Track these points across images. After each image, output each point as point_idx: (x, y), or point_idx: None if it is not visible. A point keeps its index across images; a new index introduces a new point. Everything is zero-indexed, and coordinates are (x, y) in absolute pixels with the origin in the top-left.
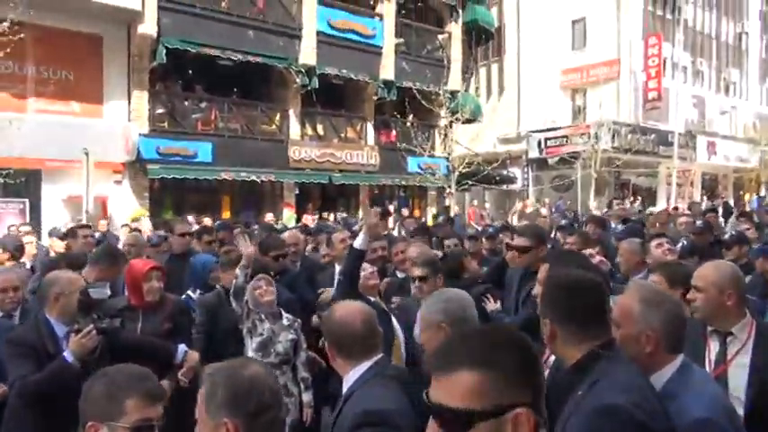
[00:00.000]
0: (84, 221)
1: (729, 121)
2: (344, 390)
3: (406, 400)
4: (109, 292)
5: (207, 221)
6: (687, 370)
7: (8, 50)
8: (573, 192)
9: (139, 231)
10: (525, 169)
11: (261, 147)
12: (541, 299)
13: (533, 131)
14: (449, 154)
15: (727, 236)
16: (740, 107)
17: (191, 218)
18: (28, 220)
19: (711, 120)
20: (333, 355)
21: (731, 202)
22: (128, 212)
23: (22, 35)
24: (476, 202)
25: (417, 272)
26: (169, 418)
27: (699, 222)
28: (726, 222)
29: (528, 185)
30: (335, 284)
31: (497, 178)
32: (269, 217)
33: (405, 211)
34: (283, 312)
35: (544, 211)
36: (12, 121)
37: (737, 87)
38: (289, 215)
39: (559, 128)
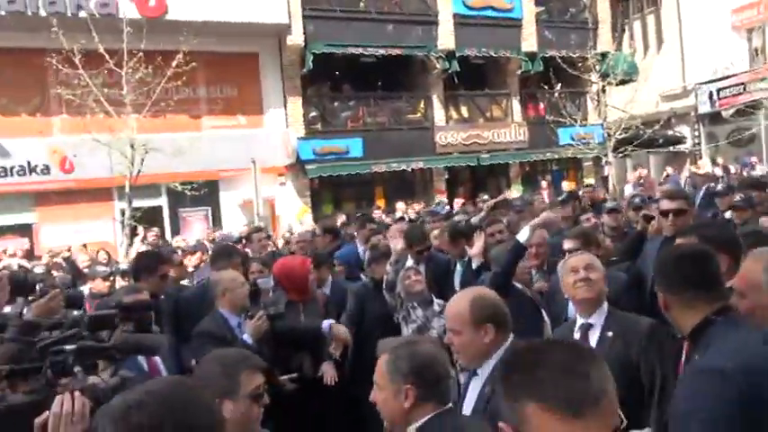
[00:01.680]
0: (257, 224)
1: None
2: None
3: None
4: (273, 283)
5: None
6: None
7: (184, 78)
8: (756, 145)
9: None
10: (695, 126)
11: (408, 136)
12: (655, 271)
13: (702, 83)
14: (604, 119)
15: None
16: None
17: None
18: (211, 225)
19: None
20: None
21: None
22: (293, 211)
23: (194, 64)
24: (637, 171)
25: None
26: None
27: None
28: None
29: (700, 144)
30: (489, 276)
31: (661, 141)
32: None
33: (565, 185)
34: (434, 299)
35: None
36: (191, 141)
37: None
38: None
39: (734, 75)
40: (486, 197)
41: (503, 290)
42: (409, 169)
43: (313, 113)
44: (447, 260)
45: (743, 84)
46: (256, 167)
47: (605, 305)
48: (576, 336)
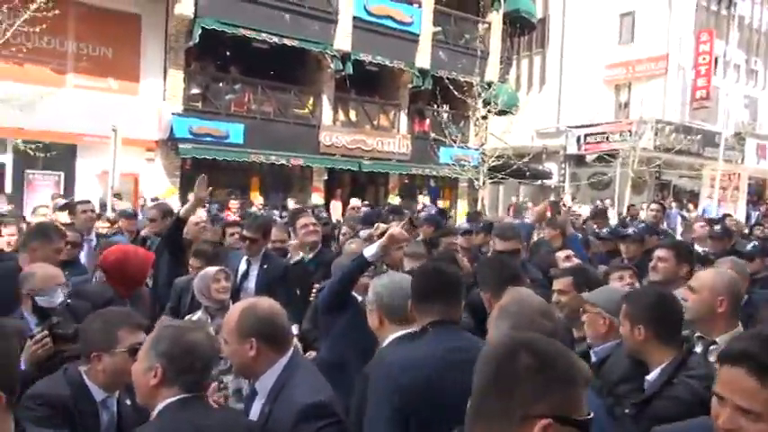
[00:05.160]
0: (112, 197)
1: None
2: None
3: None
4: (60, 299)
5: (234, 204)
6: None
7: (44, 26)
8: (610, 190)
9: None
10: (562, 165)
11: (292, 130)
12: None
13: (573, 126)
14: (482, 145)
15: (750, 246)
16: None
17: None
18: (62, 192)
19: (763, 122)
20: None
21: None
22: (159, 190)
23: (57, 11)
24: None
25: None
26: None
27: (717, 227)
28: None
29: (564, 181)
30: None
31: (528, 173)
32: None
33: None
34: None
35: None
36: (43, 96)
37: None
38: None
39: (600, 124)
40: (359, 203)
41: (337, 302)
42: (289, 164)
43: (195, 90)
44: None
45: (606, 134)
46: (117, 137)
47: None
48: None
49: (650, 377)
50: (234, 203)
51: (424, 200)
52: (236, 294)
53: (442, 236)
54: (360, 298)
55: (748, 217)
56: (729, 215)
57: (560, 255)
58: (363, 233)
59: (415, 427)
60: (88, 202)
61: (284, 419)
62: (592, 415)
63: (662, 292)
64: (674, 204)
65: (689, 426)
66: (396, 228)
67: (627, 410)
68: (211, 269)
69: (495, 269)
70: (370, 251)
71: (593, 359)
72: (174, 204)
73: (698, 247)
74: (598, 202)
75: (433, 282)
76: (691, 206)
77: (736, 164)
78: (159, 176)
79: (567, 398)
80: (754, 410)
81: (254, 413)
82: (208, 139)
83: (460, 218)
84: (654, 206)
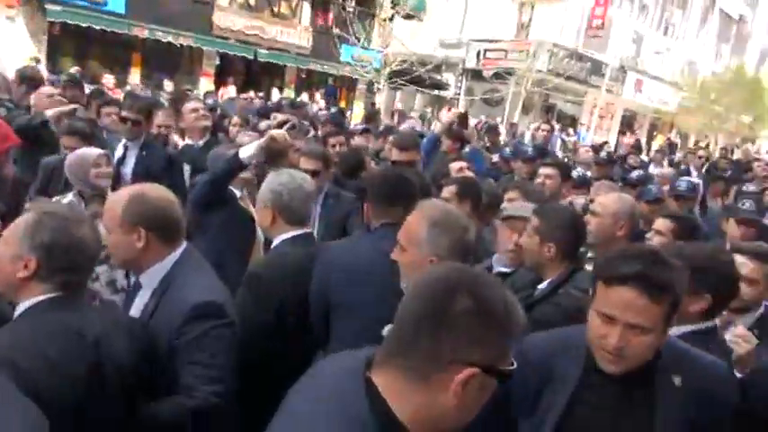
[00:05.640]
0: None
1: (661, 62)
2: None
3: None
4: None
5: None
6: None
7: None
8: (501, 108)
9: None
10: (459, 78)
11: (183, 6)
12: None
13: (475, 40)
14: (385, 47)
15: (634, 174)
16: (674, 50)
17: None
18: None
19: (645, 58)
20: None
21: (642, 141)
22: (20, 54)
23: None
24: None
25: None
26: None
27: (603, 154)
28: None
29: (460, 94)
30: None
31: (428, 81)
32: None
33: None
34: None
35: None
36: None
37: (677, 29)
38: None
39: (501, 41)
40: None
41: (213, 200)
42: (177, 44)
43: None
44: None
45: (505, 51)
46: None
47: None
48: None
49: (541, 286)
50: (109, 78)
51: (319, 98)
52: (114, 181)
53: (336, 134)
54: (238, 193)
55: (617, 146)
56: (607, 143)
57: (454, 166)
58: (263, 124)
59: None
60: None
61: (171, 317)
62: (515, 365)
63: (574, 212)
64: (556, 127)
65: (566, 331)
66: (277, 130)
67: None
68: (90, 152)
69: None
70: (246, 151)
71: (495, 270)
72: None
73: (579, 171)
74: (482, 117)
75: (399, 188)
76: (570, 130)
77: (617, 95)
78: (22, 39)
79: (499, 347)
80: (645, 326)
81: (137, 308)
82: (82, 2)
83: (356, 119)
84: (545, 126)
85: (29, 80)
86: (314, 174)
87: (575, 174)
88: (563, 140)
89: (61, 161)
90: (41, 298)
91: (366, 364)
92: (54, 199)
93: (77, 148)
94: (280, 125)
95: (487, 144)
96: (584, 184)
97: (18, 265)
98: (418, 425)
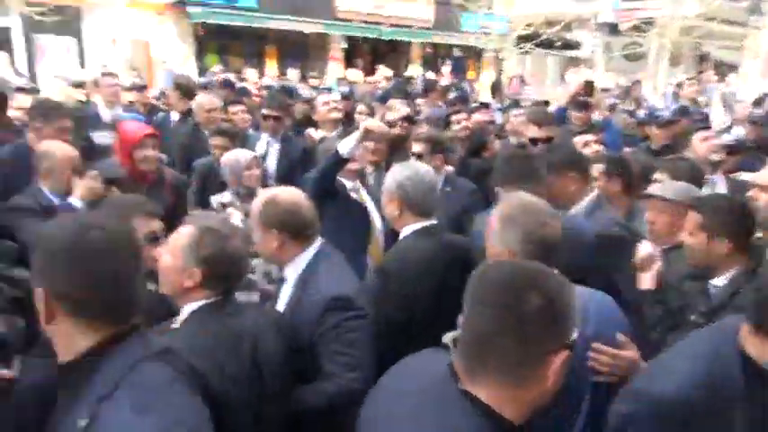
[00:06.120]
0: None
1: None
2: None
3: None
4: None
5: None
6: None
7: None
8: (643, 62)
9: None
10: (594, 35)
11: None
12: None
13: None
14: (509, 11)
15: None
16: None
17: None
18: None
19: None
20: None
21: None
22: (174, 57)
23: None
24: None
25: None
26: None
27: (760, 110)
28: None
29: (595, 52)
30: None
31: (559, 43)
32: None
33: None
34: None
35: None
36: None
37: None
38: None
39: None
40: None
41: (323, 195)
42: (306, 32)
43: None
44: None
45: None
46: None
47: None
48: None
49: (717, 282)
50: (252, 73)
51: (445, 71)
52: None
53: (458, 112)
54: (349, 184)
55: None
56: None
57: (578, 140)
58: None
59: None
60: (112, 74)
61: (312, 309)
62: (577, 334)
63: (736, 200)
64: (714, 78)
65: (699, 372)
66: (371, 120)
67: (693, 317)
68: (243, 155)
69: (515, 166)
70: (345, 147)
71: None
72: (192, 73)
73: (733, 133)
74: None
75: (525, 166)
76: (730, 78)
77: None
78: (172, 42)
79: (569, 327)
80: None
81: (283, 301)
82: (219, 1)
83: (485, 91)
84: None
85: (185, 88)
86: (419, 156)
87: (728, 138)
88: (723, 93)
89: (212, 162)
90: (202, 302)
91: (452, 373)
92: (212, 198)
93: (226, 147)
94: (389, 124)
95: (631, 108)
96: (737, 150)
97: (184, 276)
98: (523, 417)
